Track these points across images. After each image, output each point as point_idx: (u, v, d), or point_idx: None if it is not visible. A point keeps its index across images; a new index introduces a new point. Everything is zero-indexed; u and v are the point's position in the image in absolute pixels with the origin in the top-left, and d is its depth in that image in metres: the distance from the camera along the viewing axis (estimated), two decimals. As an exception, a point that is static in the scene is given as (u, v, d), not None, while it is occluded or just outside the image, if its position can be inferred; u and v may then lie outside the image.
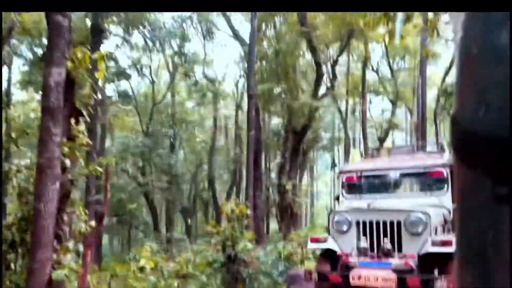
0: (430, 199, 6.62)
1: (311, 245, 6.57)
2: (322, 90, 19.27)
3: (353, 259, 5.73)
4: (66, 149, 5.37)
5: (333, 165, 27.94)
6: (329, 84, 19.53)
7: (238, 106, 29.57)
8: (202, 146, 33.44)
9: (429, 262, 5.39)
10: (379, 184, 7.35)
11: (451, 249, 5.04)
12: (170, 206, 24.78)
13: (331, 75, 18.60)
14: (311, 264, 11.29)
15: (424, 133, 24.97)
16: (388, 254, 5.59)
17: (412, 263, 5.42)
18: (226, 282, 7.17)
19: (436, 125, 26.63)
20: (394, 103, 26.43)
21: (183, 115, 29.39)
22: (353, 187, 7.40)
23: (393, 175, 7.14)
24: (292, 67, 17.06)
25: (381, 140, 26.61)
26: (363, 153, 10.67)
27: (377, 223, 5.79)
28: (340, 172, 7.95)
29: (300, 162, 28.26)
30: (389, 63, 27.08)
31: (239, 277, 7.22)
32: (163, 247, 16.78)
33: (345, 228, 6.00)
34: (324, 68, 18.12)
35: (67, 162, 5.43)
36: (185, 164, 40.92)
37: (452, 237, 5.25)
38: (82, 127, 6.00)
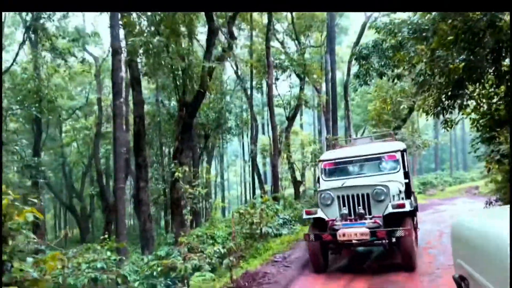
0: (388, 176, 8.69)
1: (306, 216, 8.49)
2: (218, 52, 15.78)
3: (337, 223, 7.72)
4: None
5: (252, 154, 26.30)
6: (226, 45, 15.97)
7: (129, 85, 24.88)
8: (85, 134, 28.11)
9: (391, 219, 7.56)
10: (349, 167, 9.47)
11: (404, 209, 7.45)
12: (38, 209, 19.46)
13: (227, 34, 15.03)
14: (200, 279, 8.28)
15: (335, 110, 22.97)
16: (362, 217, 7.62)
17: (379, 221, 7.54)
18: None
19: (346, 101, 24.82)
20: (301, 79, 24.02)
21: (61, 98, 24.03)
22: (330, 171, 9.51)
23: (360, 160, 9.35)
24: (177, 18, 13.17)
25: (290, 119, 24.08)
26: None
27: (353, 196, 7.79)
28: (319, 161, 10.05)
29: (203, 147, 24.81)
30: (296, 35, 24.56)
31: None
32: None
33: (329, 202, 7.97)
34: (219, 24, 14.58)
35: None
36: (77, 156, 34.94)
37: (405, 202, 7.74)
38: None
